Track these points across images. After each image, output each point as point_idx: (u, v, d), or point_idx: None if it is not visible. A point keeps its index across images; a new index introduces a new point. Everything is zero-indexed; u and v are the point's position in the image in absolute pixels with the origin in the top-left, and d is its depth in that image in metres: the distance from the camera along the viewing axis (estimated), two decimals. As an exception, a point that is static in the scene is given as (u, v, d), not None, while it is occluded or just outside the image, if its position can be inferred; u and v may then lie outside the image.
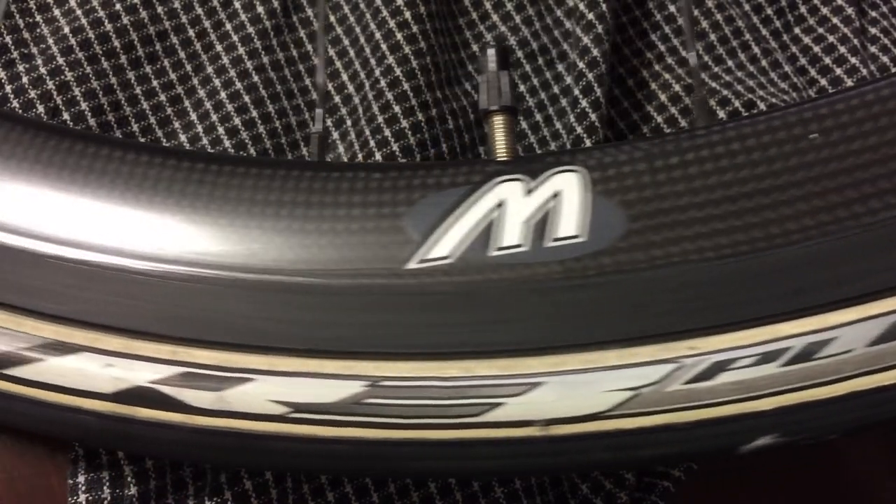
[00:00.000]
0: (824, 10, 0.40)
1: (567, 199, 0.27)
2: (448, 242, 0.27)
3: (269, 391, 0.26)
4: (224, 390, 0.26)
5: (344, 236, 0.28)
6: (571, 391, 0.25)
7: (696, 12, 0.41)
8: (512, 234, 0.27)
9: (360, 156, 0.36)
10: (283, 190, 0.29)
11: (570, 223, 0.27)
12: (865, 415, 0.25)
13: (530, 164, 0.28)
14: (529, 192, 0.28)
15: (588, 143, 0.36)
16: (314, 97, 0.39)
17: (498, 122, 0.29)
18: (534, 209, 0.27)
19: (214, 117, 0.38)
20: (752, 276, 0.26)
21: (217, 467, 0.32)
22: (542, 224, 0.27)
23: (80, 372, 0.27)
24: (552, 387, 0.25)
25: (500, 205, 0.27)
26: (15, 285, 0.27)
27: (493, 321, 0.26)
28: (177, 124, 0.38)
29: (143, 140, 0.37)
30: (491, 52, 0.30)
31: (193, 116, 0.38)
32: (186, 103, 0.38)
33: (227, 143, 0.37)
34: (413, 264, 0.27)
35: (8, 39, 0.38)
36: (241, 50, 0.39)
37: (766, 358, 0.25)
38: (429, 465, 0.26)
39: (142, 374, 0.26)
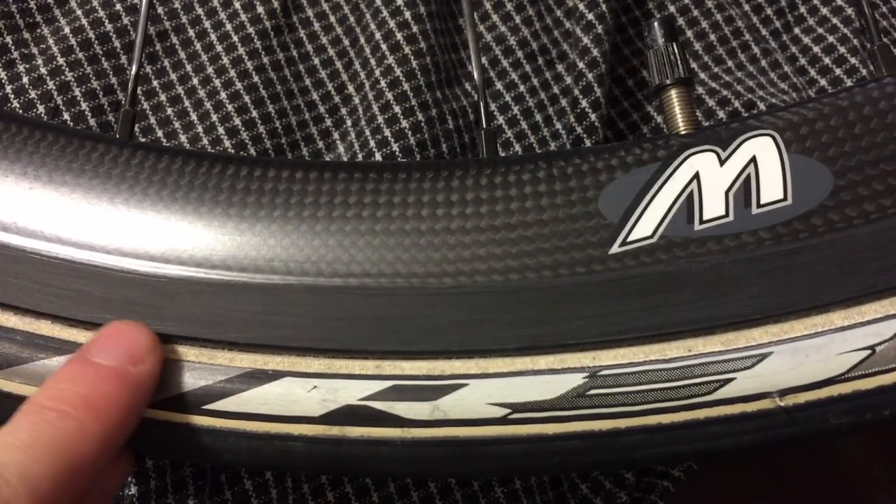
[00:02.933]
0: (824, 11, 0.40)
1: (764, 163, 0.27)
2: (648, 222, 0.26)
3: (486, 395, 0.25)
4: (438, 399, 0.25)
5: (536, 228, 0.27)
6: (804, 358, 0.25)
7: (695, 12, 0.41)
8: (714, 206, 0.26)
9: (360, 156, 0.36)
10: (462, 189, 0.28)
11: (772, 187, 0.26)
12: None
13: (717, 133, 0.28)
14: (724, 161, 0.27)
15: (588, 143, 0.36)
16: (314, 97, 0.39)
17: (675, 95, 0.28)
18: (732, 178, 0.27)
19: (215, 117, 0.38)
20: None
21: (434, 478, 0.31)
22: (743, 192, 0.26)
23: (285, 397, 0.26)
24: (782, 356, 0.25)
25: (695, 178, 0.27)
26: (202, 318, 0.26)
27: (706, 296, 0.26)
28: (177, 124, 0.38)
29: (143, 140, 0.37)
30: (657, 24, 0.29)
31: (193, 116, 0.38)
32: (186, 103, 0.38)
33: (227, 144, 0.37)
34: (616, 248, 0.26)
35: (8, 39, 0.38)
36: (241, 50, 0.39)
37: None
38: (660, 451, 0.25)
39: (350, 393, 0.25)
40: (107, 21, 0.38)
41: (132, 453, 0.28)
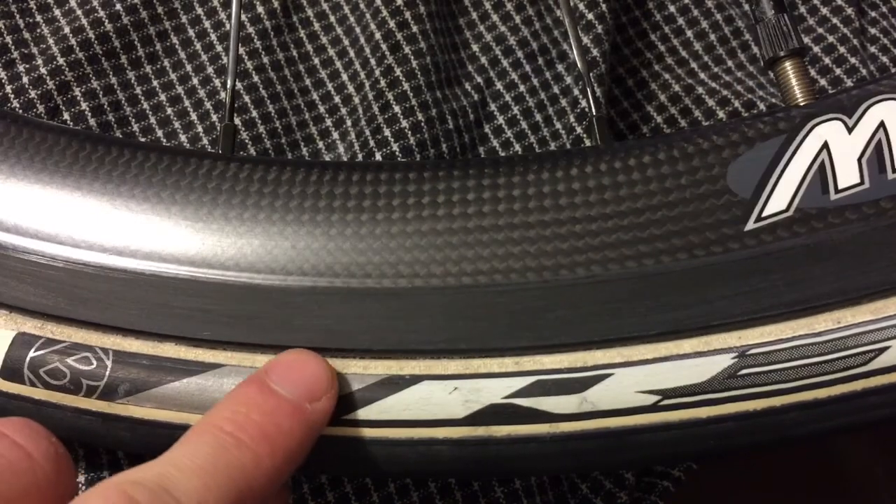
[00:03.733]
0: (824, 11, 0.40)
1: (894, 127, 0.26)
2: (782, 195, 0.26)
3: (634, 383, 0.25)
4: (585, 391, 0.25)
5: (665, 211, 0.26)
6: None
7: (695, 12, 0.41)
8: (849, 174, 0.26)
9: (360, 156, 0.36)
10: (583, 178, 0.27)
11: None
12: None
13: (840, 102, 0.27)
14: (851, 128, 0.26)
15: (588, 143, 0.36)
16: (314, 97, 0.39)
17: (790, 67, 0.28)
18: (863, 144, 0.26)
19: (215, 117, 0.38)
20: None
21: (584, 471, 0.31)
22: (877, 157, 0.26)
23: (426, 401, 0.25)
24: None
25: (824, 147, 0.26)
26: (330, 328, 0.26)
27: (850, 267, 0.25)
28: (177, 124, 0.38)
29: (143, 140, 0.37)
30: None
31: (194, 116, 0.38)
32: (186, 103, 0.38)
33: (227, 143, 0.37)
34: (752, 224, 0.26)
35: (8, 39, 0.38)
36: (240, 50, 0.39)
37: None
38: (819, 426, 0.25)
39: (493, 392, 0.25)
40: (107, 21, 0.38)
41: (289, 485, 0.26)
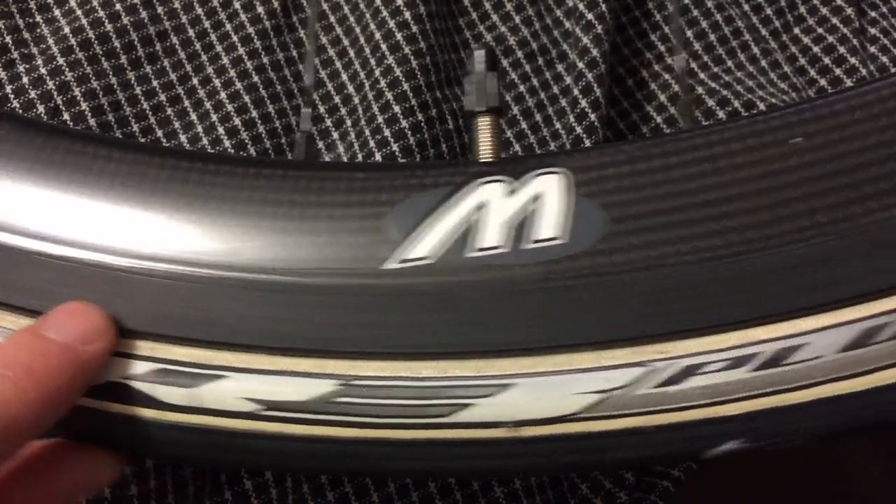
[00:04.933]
0: (824, 11, 0.40)
1: (549, 200, 0.27)
2: (428, 243, 0.27)
3: (243, 388, 0.26)
4: (197, 387, 0.26)
5: (325, 236, 0.27)
6: (542, 393, 0.25)
7: (695, 12, 0.41)
8: (492, 236, 0.27)
9: (360, 156, 0.36)
10: (268, 189, 0.28)
11: (550, 225, 0.27)
12: (832, 422, 0.25)
13: (513, 165, 0.28)
14: (511, 192, 0.27)
15: (588, 143, 0.36)
16: (315, 97, 0.39)
17: (484, 123, 0.29)
18: (515, 210, 0.27)
19: (214, 117, 0.38)
20: (723, 281, 0.26)
21: (188, 464, 0.32)
22: (522, 225, 0.27)
23: None
24: (523, 388, 0.26)
25: (481, 206, 0.27)
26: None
27: (469, 322, 0.26)
28: (177, 124, 0.38)
29: (143, 140, 0.37)
30: (480, 53, 0.30)
31: (193, 116, 0.38)
32: (186, 103, 0.38)
33: (227, 143, 0.37)
34: (393, 264, 0.27)
35: (8, 39, 0.38)
36: (241, 50, 0.39)
37: (736, 363, 0.25)
38: (399, 464, 0.27)
39: (115, 370, 0.26)
40: (107, 21, 0.38)
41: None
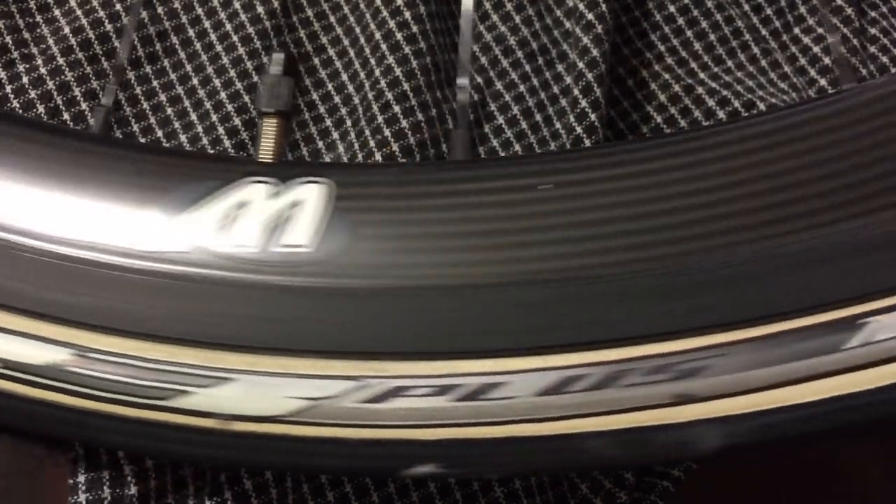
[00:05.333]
0: (824, 10, 0.40)
1: (307, 208, 0.28)
2: (184, 231, 0.28)
3: None
4: None
5: (90, 210, 0.29)
6: (257, 392, 0.26)
7: (695, 12, 0.41)
8: (245, 233, 0.28)
9: (360, 156, 0.36)
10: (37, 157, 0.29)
11: (300, 232, 0.28)
12: (524, 462, 0.27)
13: (285, 169, 0.29)
14: (275, 195, 0.28)
15: (588, 142, 0.36)
16: (314, 97, 0.39)
17: (269, 125, 0.31)
18: (272, 213, 0.28)
19: (214, 117, 0.38)
20: (445, 311, 0.27)
21: None
22: (275, 228, 0.28)
23: None
24: (241, 384, 0.26)
25: (243, 204, 0.28)
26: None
27: (203, 312, 0.27)
28: (177, 124, 0.38)
29: (143, 140, 0.37)
30: (279, 56, 0.31)
31: (193, 116, 0.38)
32: (186, 103, 0.38)
33: (227, 144, 0.37)
34: (149, 247, 0.28)
35: (8, 39, 0.38)
36: (241, 50, 0.39)
37: (441, 391, 0.26)
38: (113, 438, 0.28)
39: None
40: (107, 21, 0.38)
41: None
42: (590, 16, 0.38)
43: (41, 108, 0.36)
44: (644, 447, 0.26)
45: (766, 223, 0.27)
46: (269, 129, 0.30)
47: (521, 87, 0.39)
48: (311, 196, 0.28)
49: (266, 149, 0.30)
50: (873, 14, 0.40)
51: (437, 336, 0.27)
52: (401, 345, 0.26)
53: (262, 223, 0.28)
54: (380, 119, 0.36)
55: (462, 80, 0.35)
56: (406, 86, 0.37)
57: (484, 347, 0.26)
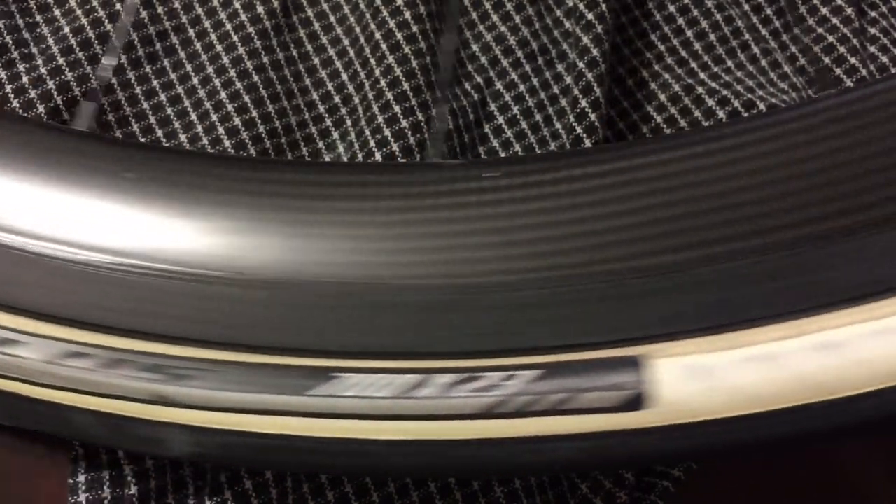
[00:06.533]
0: (824, 10, 0.40)
1: None
2: None
3: None
4: None
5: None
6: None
7: (695, 12, 0.41)
8: None
9: (360, 155, 0.36)
10: None
11: None
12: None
13: None
14: None
15: (588, 143, 0.36)
16: (314, 97, 0.39)
17: None
18: None
19: (214, 117, 0.38)
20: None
21: None
22: None
23: None
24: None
25: None
26: None
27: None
28: (177, 124, 0.38)
29: (143, 140, 0.37)
30: None
31: (193, 116, 0.38)
32: (186, 103, 0.38)
33: (227, 144, 0.37)
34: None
35: (8, 39, 0.38)
36: (241, 50, 0.39)
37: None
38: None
39: None
40: (107, 21, 0.38)
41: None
42: (590, 16, 0.38)
43: (41, 108, 0.36)
44: (119, 433, 0.29)
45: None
46: None
47: (521, 87, 0.39)
48: None
49: None
50: (873, 14, 0.40)
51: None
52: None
53: None
54: (380, 119, 0.36)
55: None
56: (406, 86, 0.37)
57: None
